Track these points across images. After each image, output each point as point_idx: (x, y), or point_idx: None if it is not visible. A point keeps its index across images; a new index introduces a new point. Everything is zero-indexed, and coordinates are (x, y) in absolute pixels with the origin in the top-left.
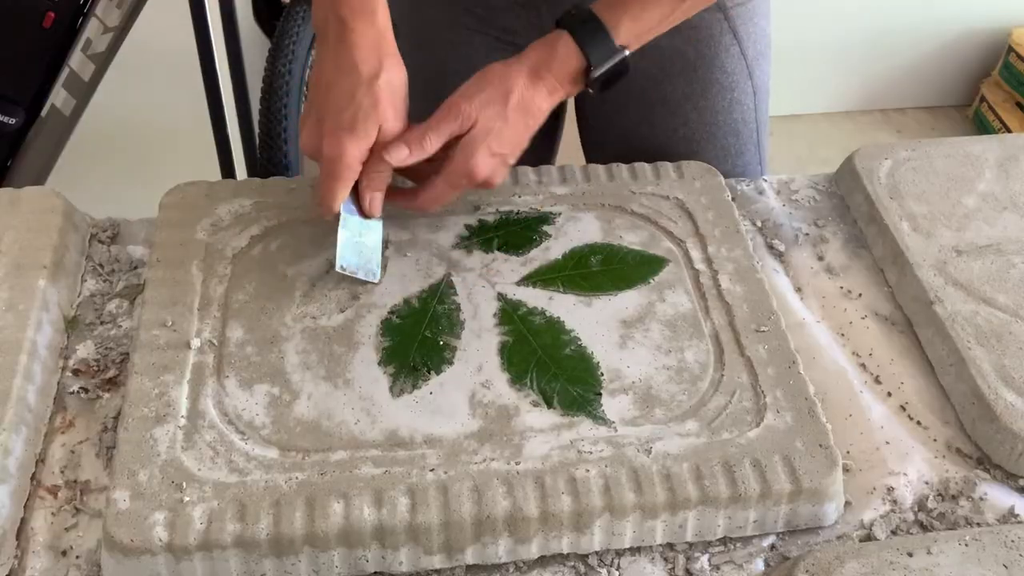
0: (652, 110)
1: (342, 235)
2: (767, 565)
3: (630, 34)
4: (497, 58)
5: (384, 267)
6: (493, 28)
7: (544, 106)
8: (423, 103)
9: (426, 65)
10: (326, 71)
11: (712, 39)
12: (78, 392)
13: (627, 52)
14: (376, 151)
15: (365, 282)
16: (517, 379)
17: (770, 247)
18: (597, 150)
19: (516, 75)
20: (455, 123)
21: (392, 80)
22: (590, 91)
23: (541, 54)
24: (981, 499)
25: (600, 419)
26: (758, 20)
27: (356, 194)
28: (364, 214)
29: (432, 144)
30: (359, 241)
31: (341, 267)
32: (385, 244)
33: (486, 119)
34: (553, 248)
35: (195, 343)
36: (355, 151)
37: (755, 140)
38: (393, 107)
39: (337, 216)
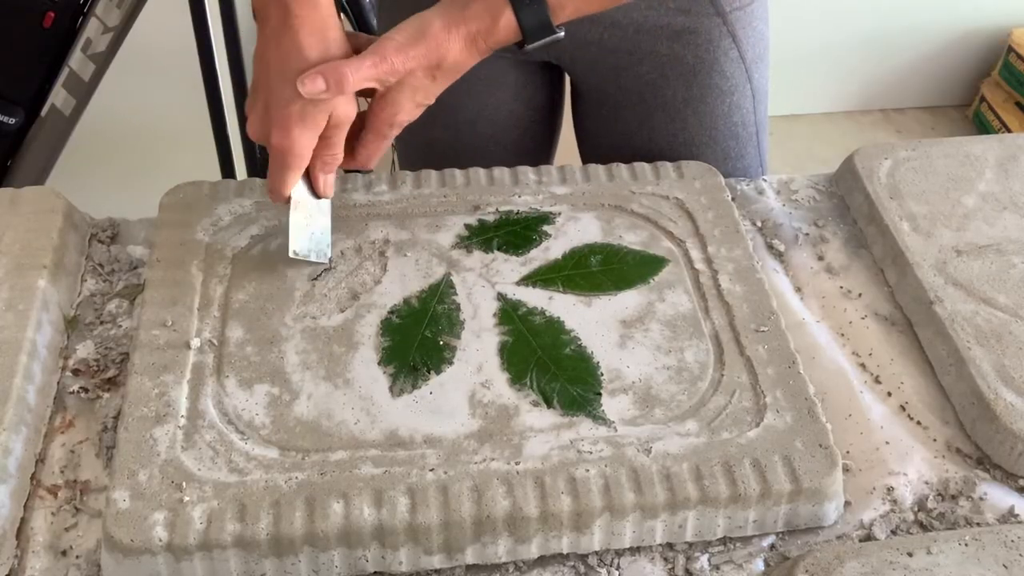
0: (651, 115)
1: (293, 219)
2: (767, 565)
3: None
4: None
5: (333, 246)
6: None
7: (471, 64)
8: None
9: None
10: (270, 57)
11: (711, 43)
12: (78, 392)
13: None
14: (326, 135)
15: (318, 264)
16: (517, 379)
17: (770, 247)
18: (595, 155)
19: (453, 41)
20: (380, 71)
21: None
22: (517, 46)
23: (483, 22)
24: (981, 499)
25: (600, 419)
26: (756, 24)
27: (306, 175)
28: (315, 195)
29: (350, 87)
30: (309, 224)
31: (294, 252)
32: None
33: (414, 78)
34: (553, 248)
35: (195, 343)
36: (305, 141)
37: (755, 143)
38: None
39: (286, 201)
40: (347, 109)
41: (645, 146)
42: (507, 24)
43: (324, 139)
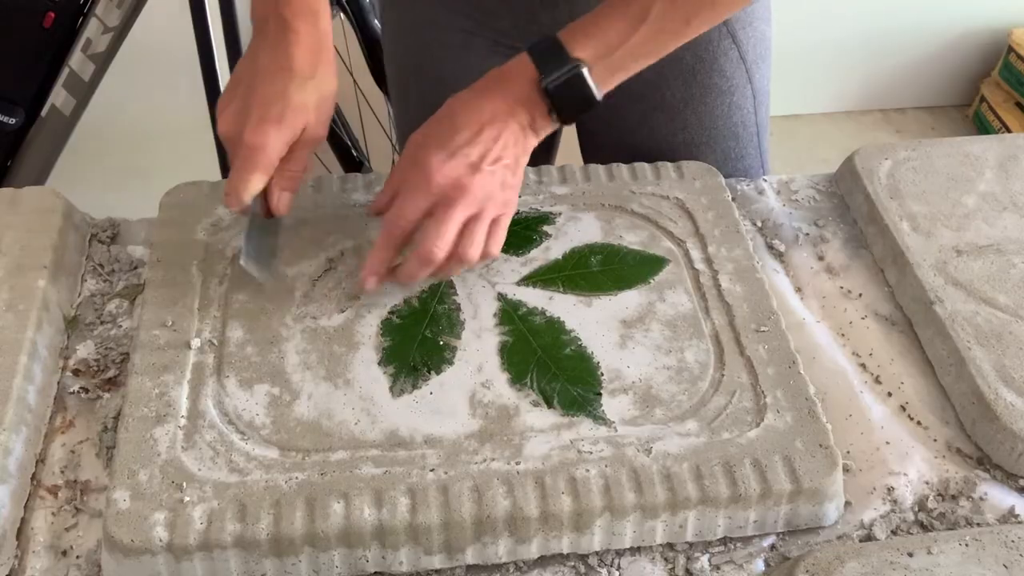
0: (651, 115)
1: (249, 230)
2: (767, 565)
3: (587, 50)
4: (494, 61)
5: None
6: (489, 30)
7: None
8: (421, 108)
9: (423, 68)
10: (260, 65)
11: (710, 43)
12: (78, 392)
13: (584, 68)
14: (292, 150)
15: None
16: (517, 379)
17: (770, 247)
18: (596, 154)
19: (512, 139)
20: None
21: (323, 88)
22: (553, 117)
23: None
24: (981, 499)
25: (600, 419)
26: (757, 24)
27: (264, 194)
28: (270, 213)
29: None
30: (260, 239)
31: (244, 263)
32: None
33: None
34: (553, 248)
35: (195, 343)
36: (278, 143)
37: (756, 143)
38: (320, 114)
39: (243, 209)
40: (319, 129)
41: (645, 145)
42: (523, 67)
43: (290, 152)
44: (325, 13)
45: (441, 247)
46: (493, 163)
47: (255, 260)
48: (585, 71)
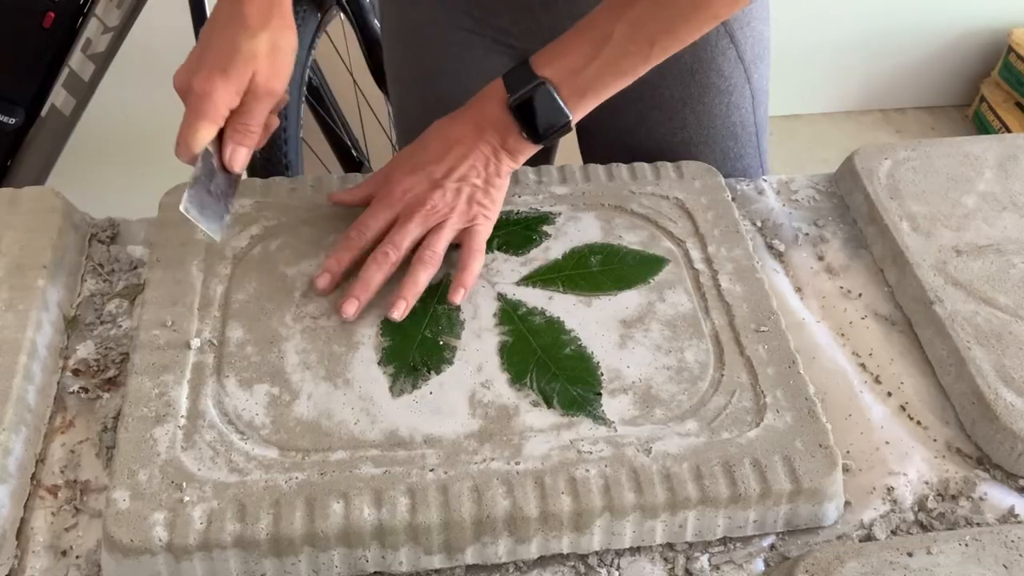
0: (649, 114)
1: (194, 175)
2: (767, 565)
3: (552, 69)
4: (494, 60)
5: (228, 227)
6: (489, 29)
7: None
8: (420, 107)
9: (423, 67)
10: (217, 22)
11: (708, 43)
12: (78, 392)
13: (549, 86)
14: (245, 102)
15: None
16: (517, 379)
17: (770, 247)
18: (595, 154)
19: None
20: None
21: (277, 40)
22: (525, 137)
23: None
24: (981, 499)
25: (600, 419)
26: (755, 24)
27: (219, 148)
28: (225, 169)
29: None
30: (211, 192)
31: (185, 208)
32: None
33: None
34: (553, 248)
35: (195, 343)
36: (224, 92)
37: (755, 143)
38: (272, 64)
39: (193, 159)
40: (273, 82)
41: (644, 144)
42: (495, 100)
43: (243, 104)
44: None
45: (392, 251)
46: (458, 180)
47: (198, 209)
48: (552, 89)
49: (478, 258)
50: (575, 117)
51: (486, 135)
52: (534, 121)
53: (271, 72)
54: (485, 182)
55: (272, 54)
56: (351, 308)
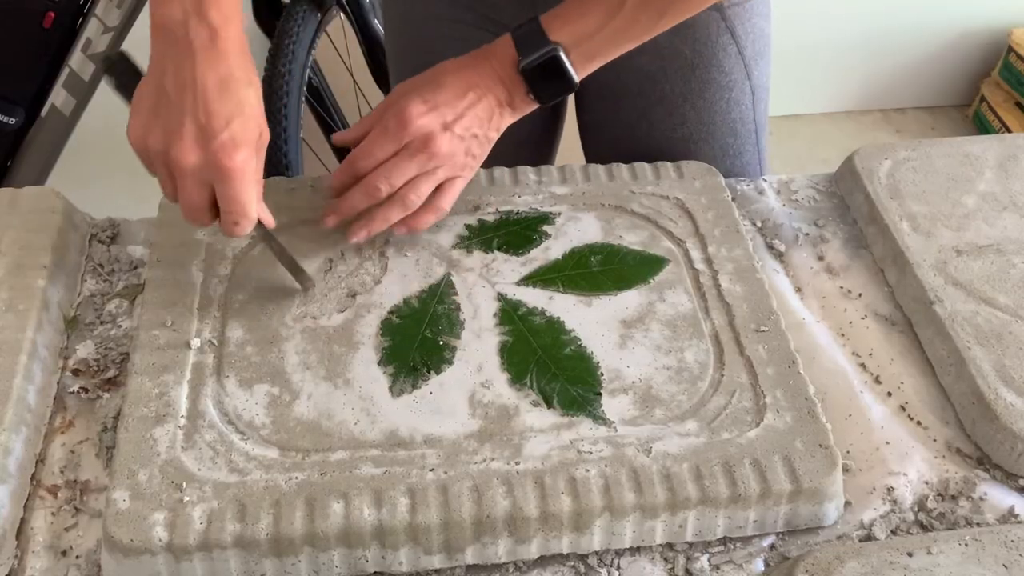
0: (651, 109)
1: (274, 253)
2: (767, 565)
3: (564, 34)
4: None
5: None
6: (492, 24)
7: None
8: None
9: (424, 63)
10: (204, 77)
11: (709, 39)
12: (78, 392)
13: (560, 52)
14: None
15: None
16: (517, 379)
17: (770, 247)
18: (596, 149)
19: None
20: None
21: (259, 90)
22: (531, 98)
23: (499, 92)
24: (981, 499)
25: (600, 419)
26: (756, 20)
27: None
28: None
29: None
30: (283, 253)
31: (297, 283)
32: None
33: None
34: (553, 248)
35: (195, 343)
36: (259, 162)
37: (754, 140)
38: (264, 118)
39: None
40: (267, 134)
41: (645, 140)
42: (505, 49)
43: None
44: (241, 11)
45: (385, 186)
46: (465, 129)
47: (297, 272)
48: (562, 55)
49: (439, 214)
50: (578, 80)
51: (495, 89)
52: (542, 84)
53: (265, 127)
54: (484, 135)
55: (260, 100)
56: (331, 222)
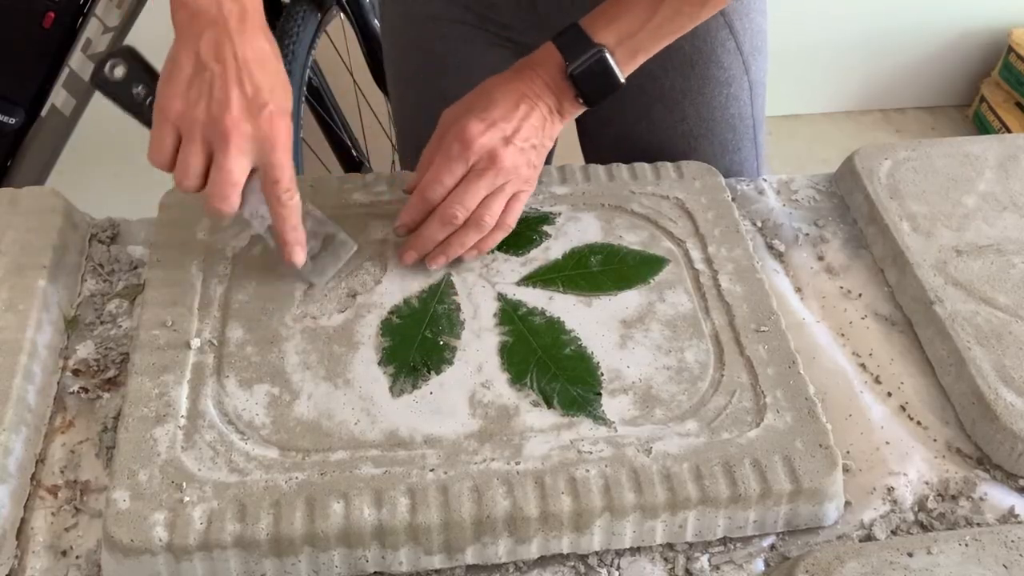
0: (651, 107)
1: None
2: (767, 565)
3: (609, 35)
4: (494, 55)
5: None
6: (491, 24)
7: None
8: (420, 104)
9: (423, 63)
10: (243, 51)
11: (708, 34)
12: (78, 392)
13: (606, 53)
14: None
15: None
16: (517, 379)
17: (770, 247)
18: (596, 147)
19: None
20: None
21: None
22: (580, 102)
23: (549, 100)
24: (981, 499)
25: (600, 419)
26: (754, 16)
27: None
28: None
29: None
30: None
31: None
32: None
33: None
34: (553, 248)
35: (195, 343)
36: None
37: (752, 136)
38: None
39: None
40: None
41: (645, 137)
42: (549, 55)
43: None
44: None
45: (461, 211)
46: (524, 141)
47: (337, 233)
48: (608, 55)
49: (506, 232)
50: (624, 77)
51: (545, 97)
52: (591, 86)
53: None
54: (541, 144)
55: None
56: (410, 259)
